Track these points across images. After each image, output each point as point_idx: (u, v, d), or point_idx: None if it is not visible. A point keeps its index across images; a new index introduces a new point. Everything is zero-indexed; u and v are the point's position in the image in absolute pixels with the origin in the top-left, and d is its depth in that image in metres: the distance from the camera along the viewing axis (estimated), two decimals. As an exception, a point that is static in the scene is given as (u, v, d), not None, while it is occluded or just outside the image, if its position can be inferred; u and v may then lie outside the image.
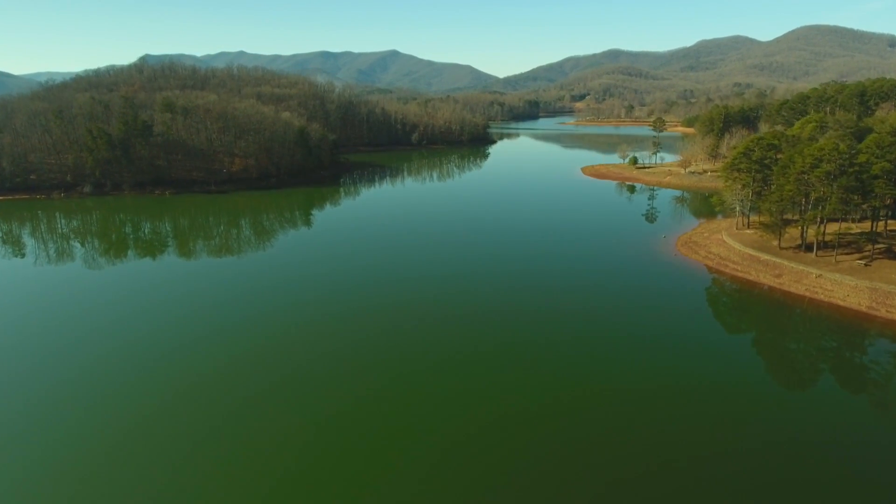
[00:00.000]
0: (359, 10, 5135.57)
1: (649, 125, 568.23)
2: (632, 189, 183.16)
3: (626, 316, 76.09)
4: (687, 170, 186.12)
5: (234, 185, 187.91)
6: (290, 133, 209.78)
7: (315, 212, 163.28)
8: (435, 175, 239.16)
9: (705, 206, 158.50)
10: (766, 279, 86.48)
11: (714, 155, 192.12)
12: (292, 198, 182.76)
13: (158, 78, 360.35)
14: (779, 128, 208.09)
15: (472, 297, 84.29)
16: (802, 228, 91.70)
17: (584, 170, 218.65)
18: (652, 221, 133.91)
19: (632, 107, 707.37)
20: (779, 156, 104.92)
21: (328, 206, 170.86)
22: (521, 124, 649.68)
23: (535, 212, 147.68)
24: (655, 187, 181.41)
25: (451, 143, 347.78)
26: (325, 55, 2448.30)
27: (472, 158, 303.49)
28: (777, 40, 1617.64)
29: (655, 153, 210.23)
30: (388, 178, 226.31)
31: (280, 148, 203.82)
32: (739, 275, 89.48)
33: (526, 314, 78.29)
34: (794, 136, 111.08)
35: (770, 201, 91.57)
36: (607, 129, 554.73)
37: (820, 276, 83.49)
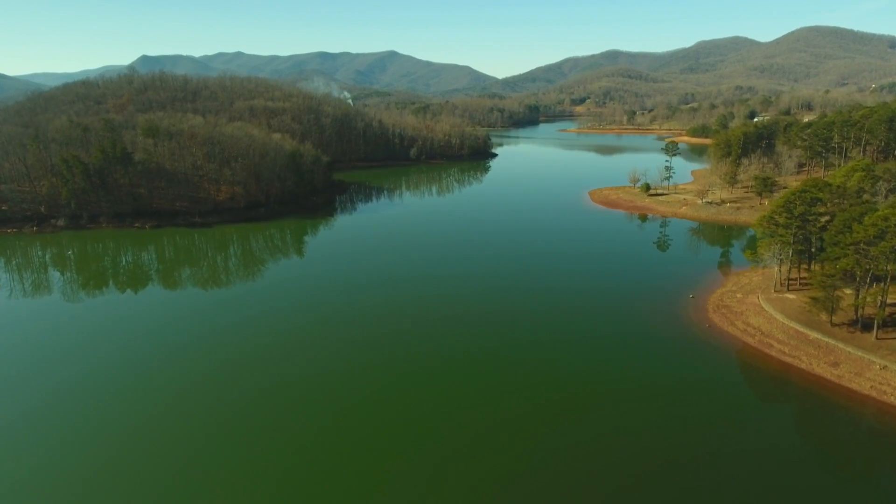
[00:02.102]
0: (357, 11, 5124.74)
1: (653, 133, 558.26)
2: (645, 219, 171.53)
3: (654, 416, 64.31)
4: (703, 200, 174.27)
5: (219, 217, 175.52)
6: (281, 157, 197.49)
7: (307, 247, 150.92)
8: (434, 198, 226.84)
9: (727, 242, 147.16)
10: (820, 368, 74.58)
11: (732, 182, 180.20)
12: (283, 230, 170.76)
13: (149, 89, 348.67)
14: (799, 152, 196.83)
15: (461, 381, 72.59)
16: (858, 307, 79.79)
17: (592, 195, 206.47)
18: (674, 270, 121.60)
19: (633, 112, 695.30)
20: (823, 210, 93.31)
21: (321, 241, 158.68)
22: (522, 131, 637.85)
23: (539, 252, 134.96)
24: (670, 218, 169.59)
25: (451, 157, 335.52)
26: (324, 56, 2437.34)
27: (472, 176, 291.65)
28: (777, 41, 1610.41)
29: (668, 177, 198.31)
30: (384, 203, 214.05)
31: (270, 174, 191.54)
32: (788, 360, 77.51)
33: (525, 402, 69.08)
34: (839, 186, 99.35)
35: (822, 274, 79.71)
36: (609, 137, 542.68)
37: (885, 367, 71.72)
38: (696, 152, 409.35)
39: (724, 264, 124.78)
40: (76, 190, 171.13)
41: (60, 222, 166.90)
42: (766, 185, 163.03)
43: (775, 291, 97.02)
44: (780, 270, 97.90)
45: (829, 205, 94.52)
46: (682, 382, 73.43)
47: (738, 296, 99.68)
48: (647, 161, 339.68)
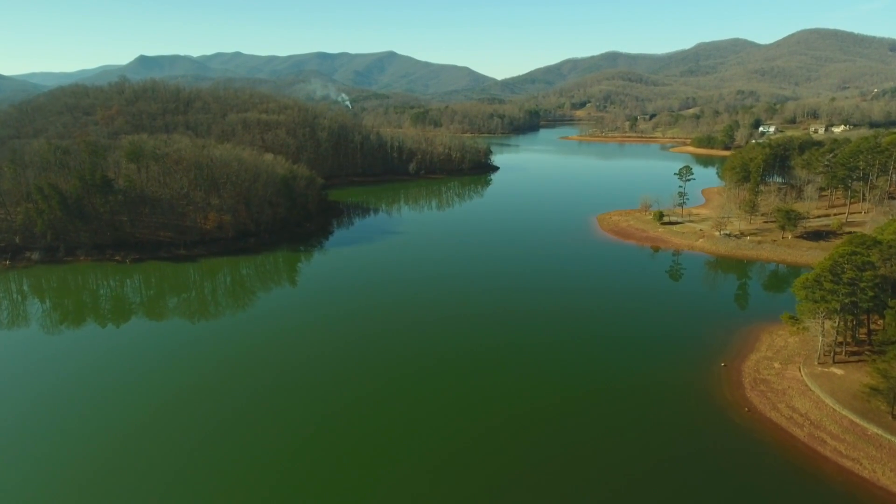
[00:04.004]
0: (356, 11, 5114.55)
1: (656, 142, 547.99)
2: (657, 250, 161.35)
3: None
4: (721, 232, 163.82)
5: (206, 248, 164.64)
6: (273, 182, 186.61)
7: (300, 281, 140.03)
8: (433, 221, 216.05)
9: (752, 285, 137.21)
10: (887, 478, 64.12)
11: (751, 212, 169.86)
12: (277, 264, 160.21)
13: (139, 99, 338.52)
14: (820, 179, 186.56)
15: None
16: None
17: (600, 221, 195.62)
18: (699, 323, 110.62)
19: (635, 118, 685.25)
20: (876, 272, 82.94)
21: (314, 275, 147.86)
22: (522, 138, 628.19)
23: (543, 305, 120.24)
24: (686, 252, 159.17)
25: (451, 171, 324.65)
26: (322, 56, 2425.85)
27: (472, 193, 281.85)
28: (777, 44, 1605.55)
29: (682, 203, 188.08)
30: (380, 227, 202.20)
31: (260, 200, 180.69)
32: (846, 464, 66.97)
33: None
34: (890, 245, 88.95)
35: (885, 361, 69.39)
36: (612, 146, 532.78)
37: (966, 481, 61.34)
38: (702, 163, 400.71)
39: (753, 315, 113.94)
40: (52, 220, 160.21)
41: (35, 256, 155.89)
42: (789, 219, 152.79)
43: (819, 363, 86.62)
44: (823, 337, 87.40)
45: (881, 268, 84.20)
46: (722, 495, 63.06)
47: (776, 366, 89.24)
48: (654, 175, 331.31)
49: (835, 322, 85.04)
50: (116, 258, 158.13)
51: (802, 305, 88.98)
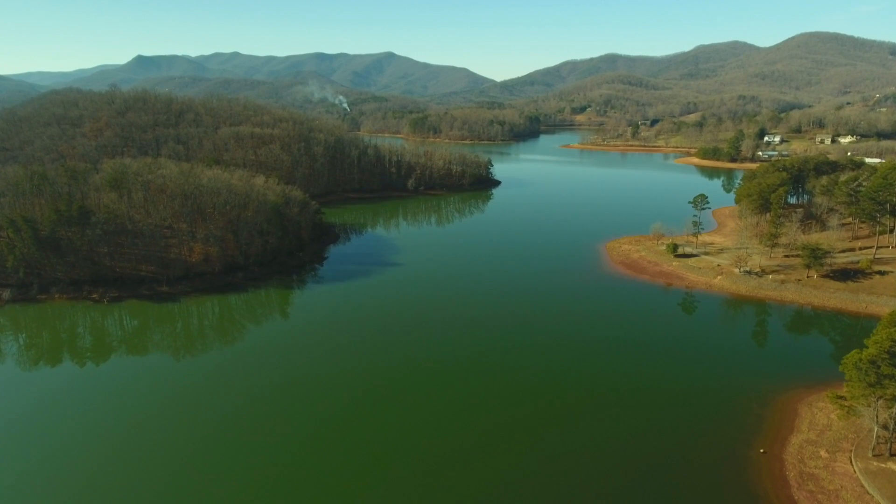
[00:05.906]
0: (355, 12, 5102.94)
1: (659, 151, 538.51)
2: (670, 285, 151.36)
3: None
4: (741, 269, 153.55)
5: (190, 284, 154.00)
6: (264, 210, 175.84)
7: (291, 321, 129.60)
8: (432, 252, 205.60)
9: (778, 334, 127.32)
10: None
11: (772, 245, 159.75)
12: (265, 303, 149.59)
13: (129, 110, 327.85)
14: (842, 209, 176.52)
15: None
16: None
17: (609, 251, 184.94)
18: (727, 387, 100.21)
19: (637, 125, 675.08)
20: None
21: (307, 308, 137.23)
22: (522, 145, 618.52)
23: (545, 375, 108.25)
24: (703, 291, 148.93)
25: (451, 187, 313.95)
26: (321, 57, 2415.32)
27: (473, 209, 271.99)
28: (777, 47, 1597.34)
29: (696, 234, 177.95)
30: (378, 255, 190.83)
31: (250, 229, 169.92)
32: None
33: None
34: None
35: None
36: (614, 155, 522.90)
37: None
38: (708, 174, 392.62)
39: (785, 375, 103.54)
40: (26, 254, 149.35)
41: (6, 294, 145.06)
42: (815, 257, 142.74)
43: (873, 455, 76.38)
44: (877, 425, 77.11)
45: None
46: None
47: (823, 454, 78.94)
48: (661, 189, 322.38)
49: (892, 410, 74.78)
50: (94, 296, 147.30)
51: (852, 386, 78.71)
